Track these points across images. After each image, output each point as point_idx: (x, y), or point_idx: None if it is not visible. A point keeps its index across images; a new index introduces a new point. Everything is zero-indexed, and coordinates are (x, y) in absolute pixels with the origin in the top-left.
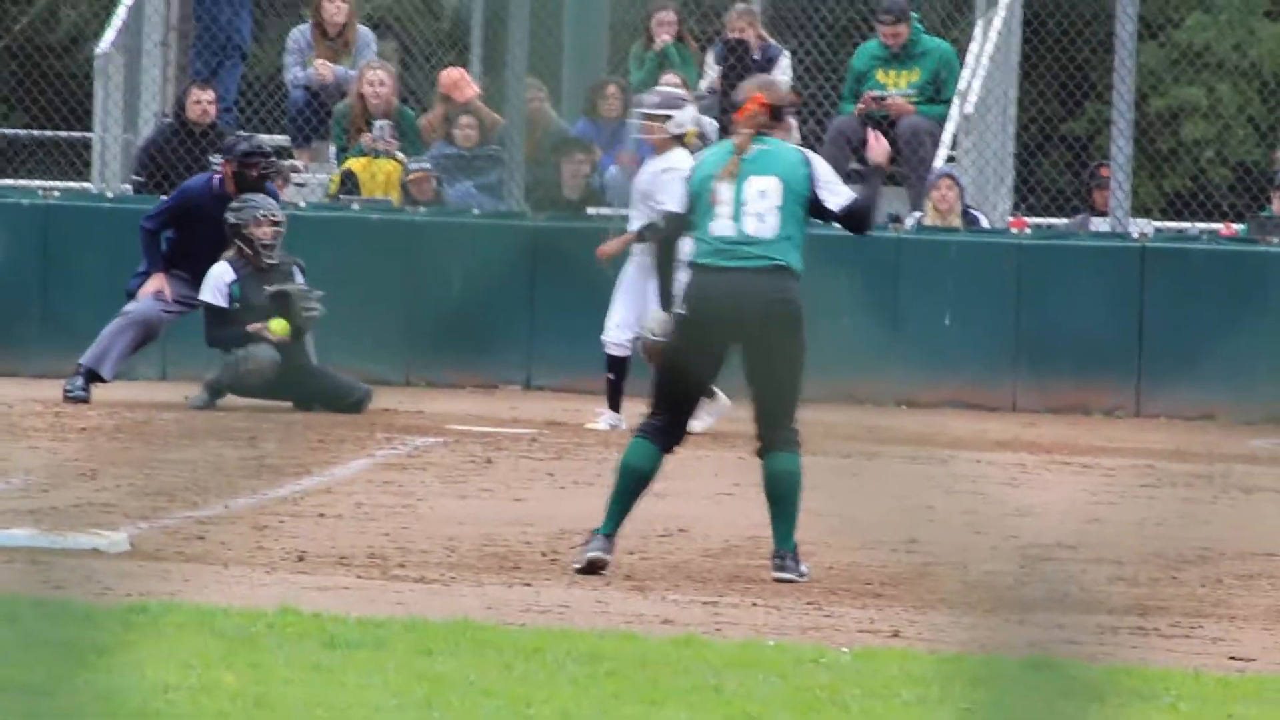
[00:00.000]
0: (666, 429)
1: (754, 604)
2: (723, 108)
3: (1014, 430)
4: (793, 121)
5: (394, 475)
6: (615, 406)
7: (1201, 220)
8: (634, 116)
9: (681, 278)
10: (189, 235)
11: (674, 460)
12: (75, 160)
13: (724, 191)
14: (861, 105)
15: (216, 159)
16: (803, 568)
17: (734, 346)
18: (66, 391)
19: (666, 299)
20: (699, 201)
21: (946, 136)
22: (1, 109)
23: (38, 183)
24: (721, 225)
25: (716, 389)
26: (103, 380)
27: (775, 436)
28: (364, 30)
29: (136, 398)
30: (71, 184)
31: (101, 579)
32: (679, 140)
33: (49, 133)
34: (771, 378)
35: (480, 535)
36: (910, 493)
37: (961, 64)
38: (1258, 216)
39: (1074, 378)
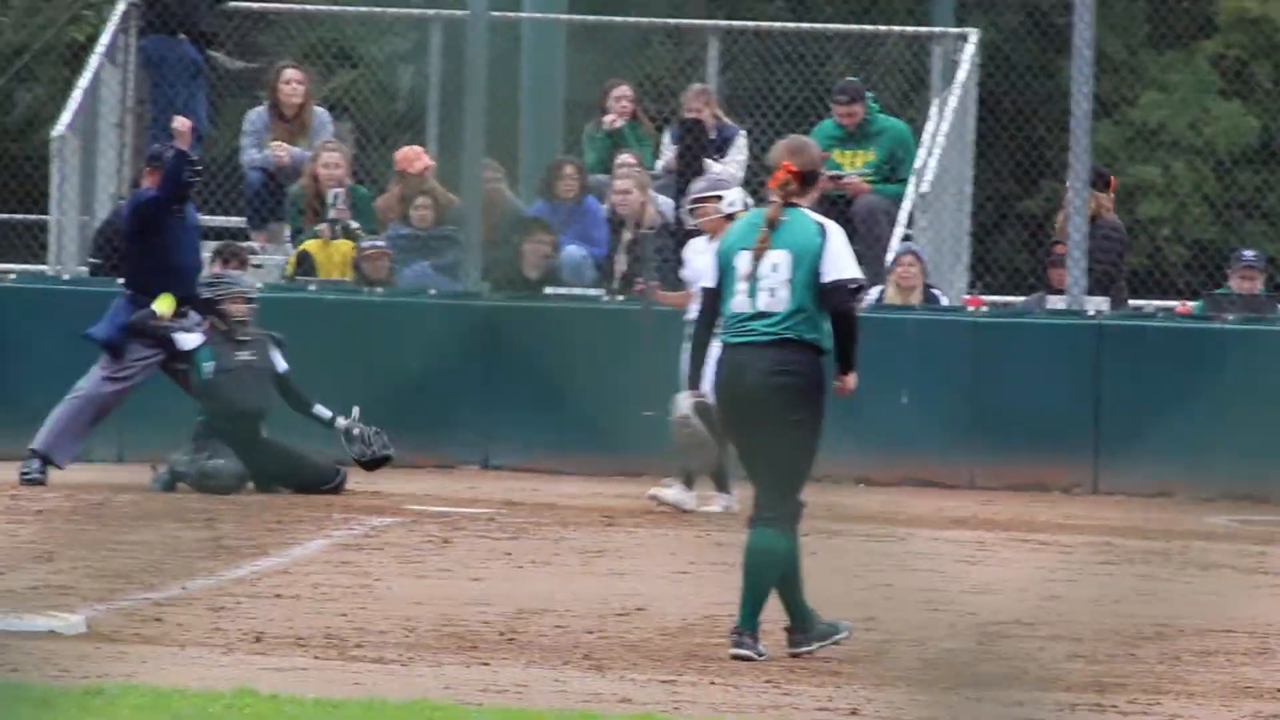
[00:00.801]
0: (763, 508)
1: (712, 683)
2: (678, 188)
3: (971, 508)
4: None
5: (351, 555)
6: (690, 483)
7: (1157, 298)
8: (684, 205)
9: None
10: (150, 249)
11: (632, 538)
12: (31, 243)
13: (744, 266)
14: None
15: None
16: (760, 647)
17: (746, 419)
18: (23, 475)
19: (695, 377)
20: (725, 276)
21: (903, 215)
22: None
23: None
24: (739, 302)
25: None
26: (57, 467)
27: (762, 512)
28: (320, 112)
29: (93, 479)
30: (28, 266)
31: (58, 661)
32: (731, 220)
33: (4, 215)
34: (766, 450)
35: (438, 615)
36: (868, 571)
37: (918, 143)
38: (1213, 294)
39: (1031, 455)
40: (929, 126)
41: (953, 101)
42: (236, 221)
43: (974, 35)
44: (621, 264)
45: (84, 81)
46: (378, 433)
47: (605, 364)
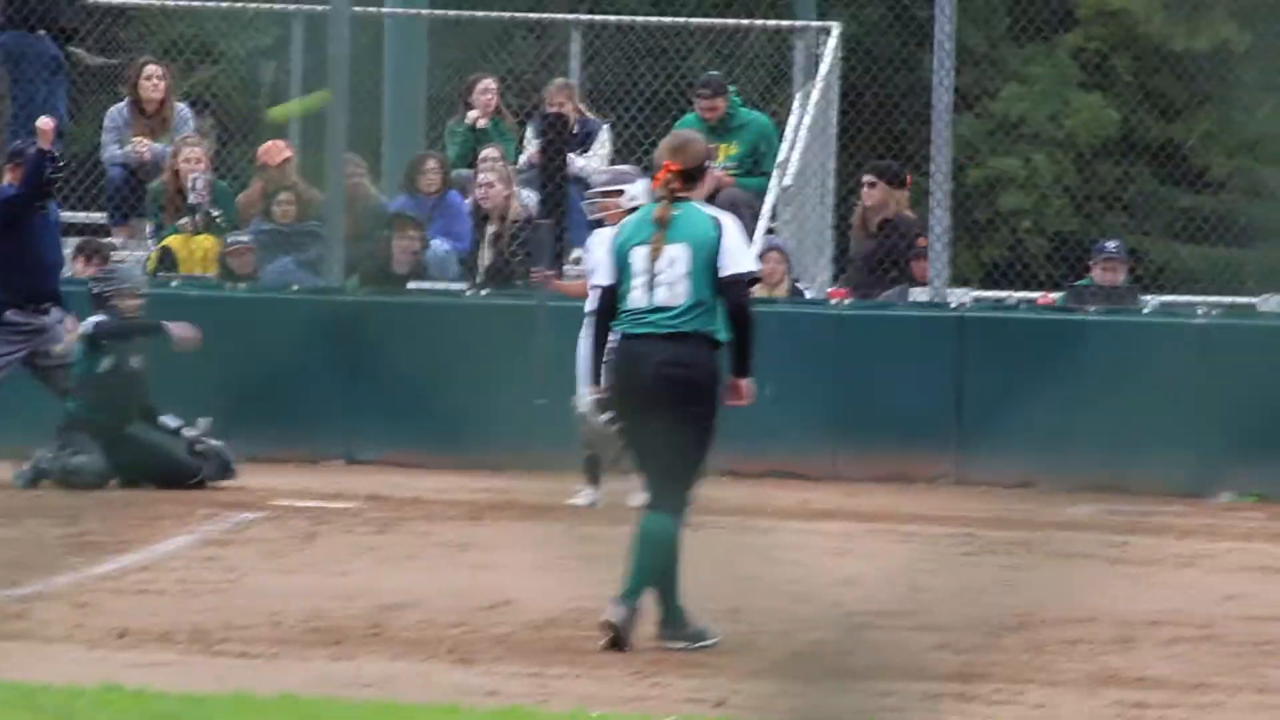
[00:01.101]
0: (658, 497)
1: (579, 675)
2: (541, 181)
3: (836, 500)
4: (715, 175)
5: (217, 551)
6: (595, 481)
7: (1019, 289)
8: (586, 197)
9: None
10: (11, 246)
11: (497, 533)
12: None
13: (641, 261)
14: None
15: None
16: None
17: (642, 410)
18: None
19: (597, 374)
20: (622, 272)
21: (766, 208)
22: None
23: None
24: (637, 297)
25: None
26: None
27: (654, 501)
28: (181, 107)
29: None
30: None
31: None
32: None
33: None
34: (660, 442)
35: (305, 610)
36: (734, 563)
37: (780, 137)
38: (1075, 286)
39: (895, 447)
40: (792, 120)
41: (815, 95)
42: (97, 217)
43: (836, 29)
44: (486, 258)
45: None
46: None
47: (469, 358)
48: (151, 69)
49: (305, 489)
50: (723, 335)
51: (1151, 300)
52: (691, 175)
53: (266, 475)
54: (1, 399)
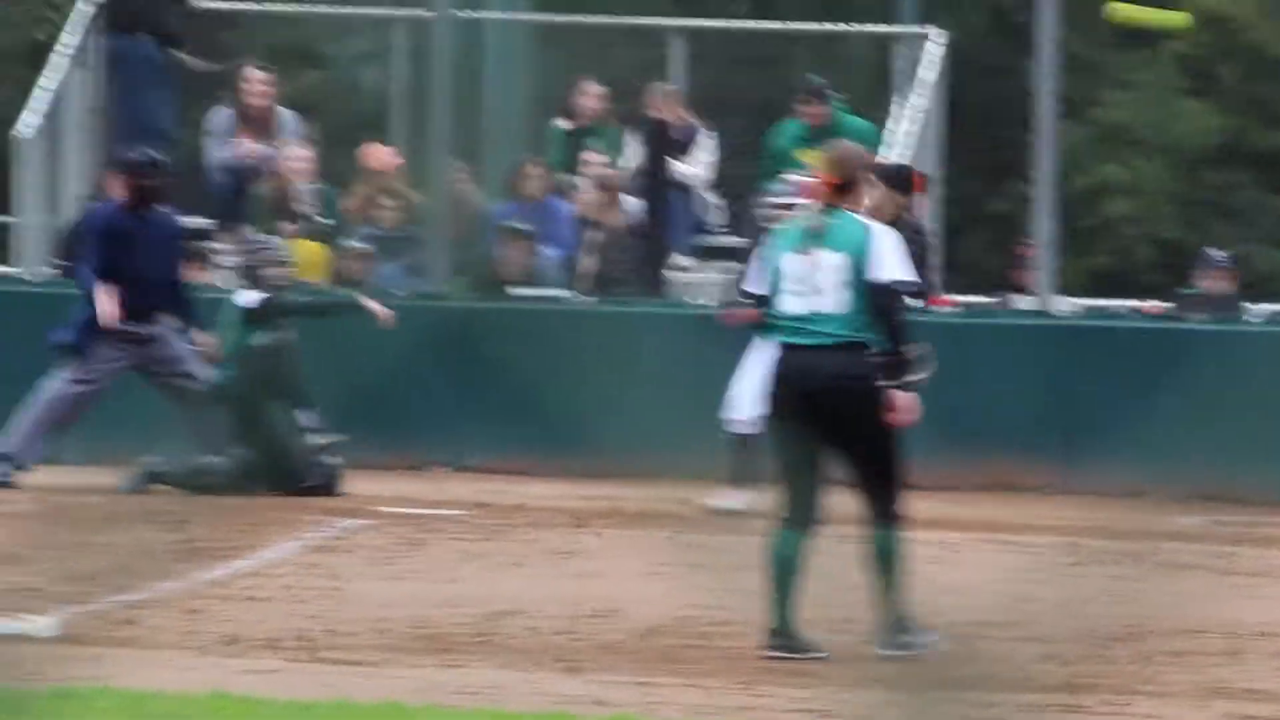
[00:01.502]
0: (796, 510)
1: (686, 684)
2: (644, 188)
3: (941, 509)
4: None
5: (323, 558)
6: (739, 486)
7: (1125, 298)
8: (761, 206)
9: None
10: (114, 262)
11: (602, 540)
12: None
13: (796, 269)
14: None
15: None
16: (910, 638)
17: (818, 424)
18: None
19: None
20: (776, 280)
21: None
22: None
23: None
24: (795, 303)
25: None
26: (24, 469)
27: (867, 512)
28: (285, 112)
29: (63, 481)
30: None
31: (30, 664)
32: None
33: None
34: (854, 455)
35: (410, 617)
36: (842, 572)
37: (883, 143)
38: (1181, 294)
39: (1000, 456)
40: (894, 126)
41: (918, 101)
42: (201, 223)
43: (938, 35)
44: (589, 264)
45: (48, 82)
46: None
47: (572, 364)
48: (256, 73)
49: (411, 496)
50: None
51: (1257, 309)
52: (846, 187)
53: (373, 482)
54: (109, 406)
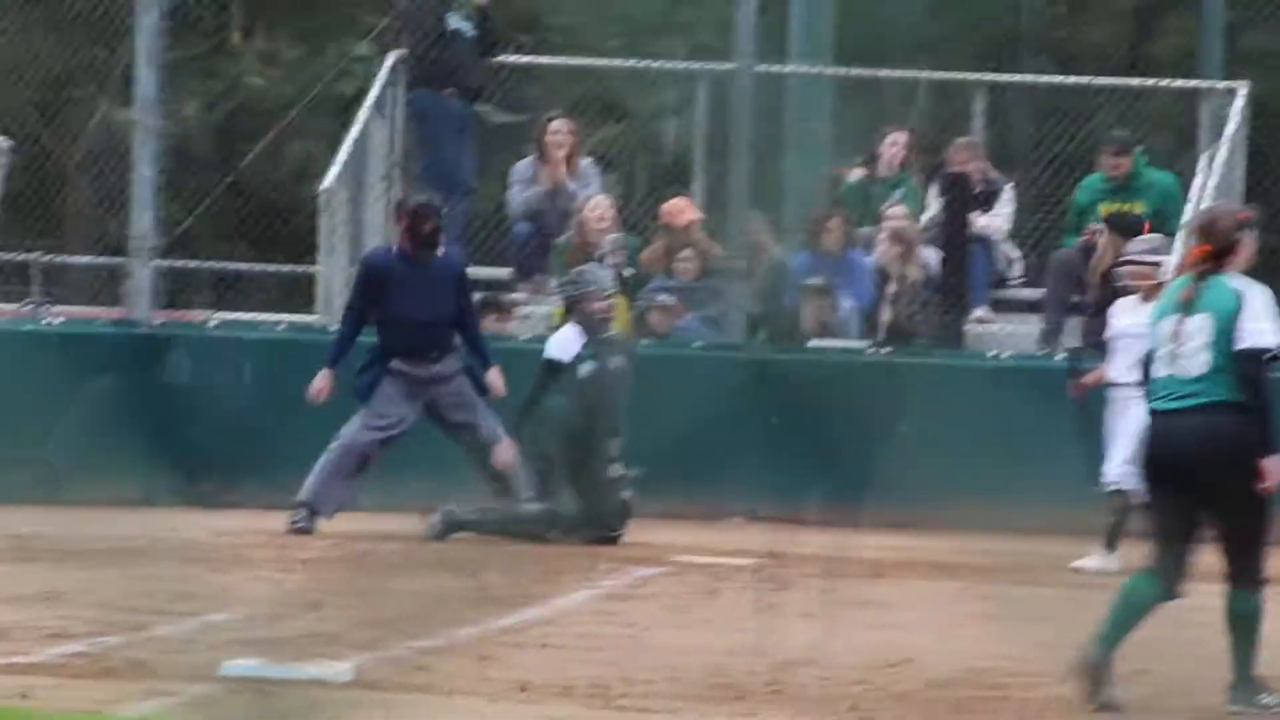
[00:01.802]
0: (1166, 569)
1: None
2: (944, 240)
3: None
4: (1249, 240)
5: (617, 605)
6: (1112, 546)
7: None
8: (1122, 264)
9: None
10: (388, 307)
11: (896, 589)
12: (300, 294)
13: (1167, 330)
14: (1086, 235)
15: None
16: (1266, 699)
17: (1187, 488)
18: (291, 524)
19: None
20: (1155, 344)
21: (1171, 266)
22: (228, 244)
23: (264, 316)
24: (1161, 367)
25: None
26: (324, 518)
27: (1229, 572)
28: (586, 163)
29: (360, 528)
30: (297, 316)
31: (326, 709)
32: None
33: (274, 267)
34: (1220, 517)
35: (704, 665)
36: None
37: (1185, 197)
38: None
39: None
40: (1197, 181)
41: (1221, 155)
42: (502, 273)
43: (1243, 89)
44: (886, 315)
45: (352, 134)
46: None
47: (869, 415)
48: (558, 123)
49: (705, 544)
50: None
51: None
52: (1221, 253)
53: (669, 530)
54: (406, 451)
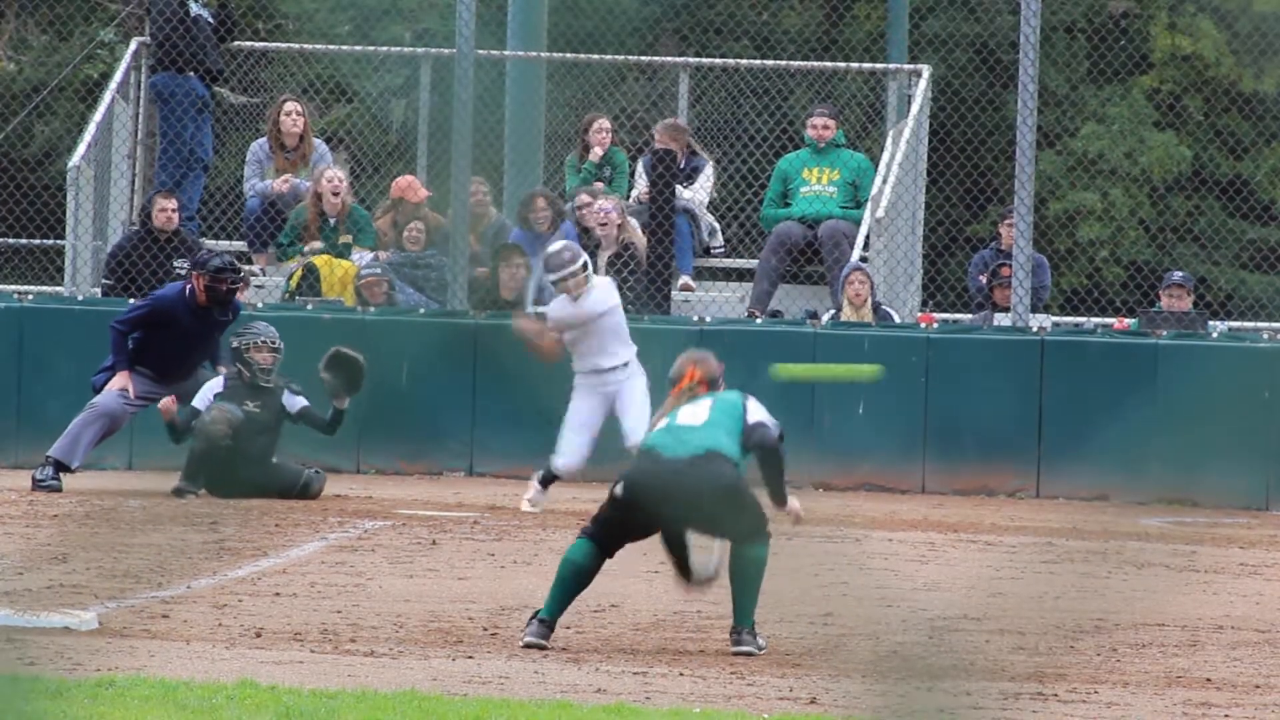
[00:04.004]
0: (605, 542)
1: (681, 674)
2: (651, 213)
3: (923, 511)
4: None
5: (346, 556)
6: (545, 485)
7: (1096, 315)
8: (553, 277)
9: None
10: (157, 338)
11: None
12: (48, 266)
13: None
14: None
15: (183, 267)
16: (760, 640)
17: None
18: (37, 481)
19: None
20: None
21: (860, 239)
22: None
23: (13, 287)
24: (657, 427)
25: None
26: (70, 470)
27: (743, 539)
28: (319, 143)
29: (105, 486)
30: (45, 288)
31: (72, 655)
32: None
33: (23, 240)
34: (722, 527)
35: (426, 612)
36: (826, 570)
37: (875, 173)
38: (1148, 312)
39: (978, 462)
40: (885, 156)
41: (906, 133)
42: (238, 245)
43: (926, 71)
44: None
45: (98, 116)
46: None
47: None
48: (291, 106)
49: (429, 499)
50: (734, 454)
51: (1220, 325)
52: (712, 383)
53: (393, 487)
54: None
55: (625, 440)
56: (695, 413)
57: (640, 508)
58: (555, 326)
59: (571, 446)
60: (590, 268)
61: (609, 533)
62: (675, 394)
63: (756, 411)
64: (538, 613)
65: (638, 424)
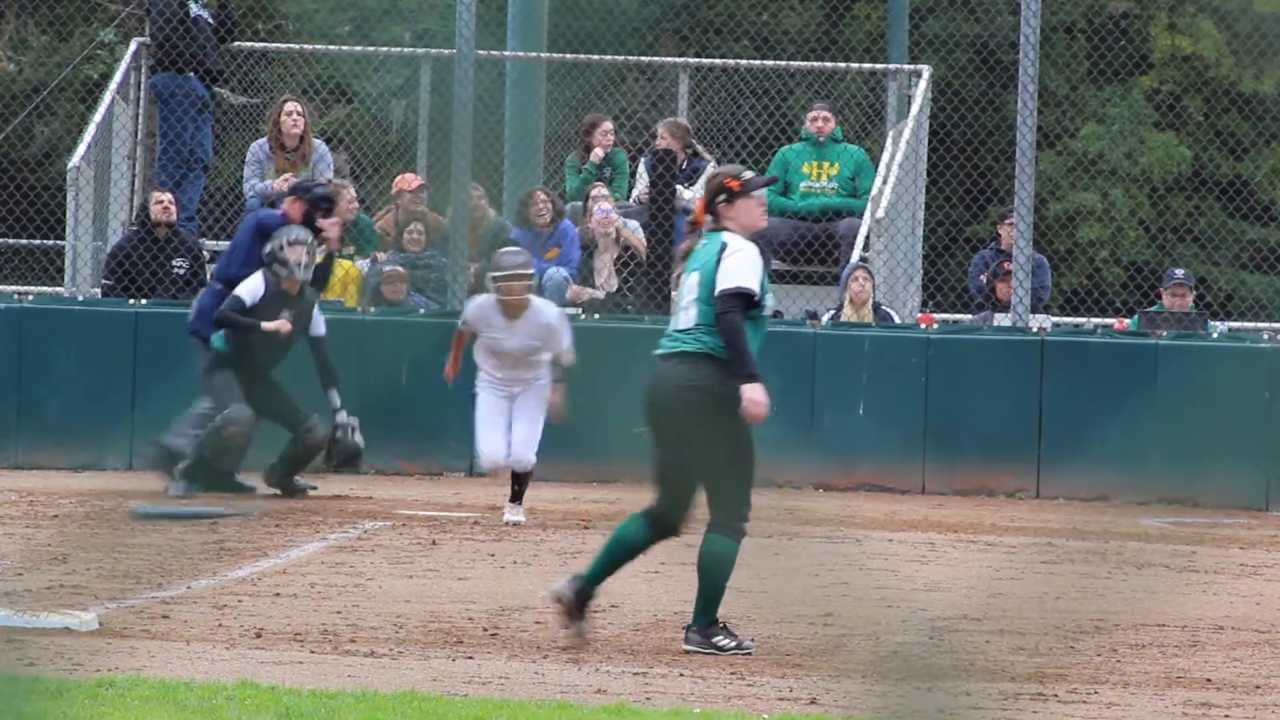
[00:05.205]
0: (658, 514)
1: (681, 674)
2: (651, 213)
3: (923, 511)
4: (749, 201)
5: (346, 557)
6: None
7: (1096, 316)
8: (498, 274)
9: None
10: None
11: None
12: (48, 266)
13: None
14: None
15: (181, 266)
16: (721, 641)
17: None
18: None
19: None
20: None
21: (860, 239)
22: None
23: (13, 287)
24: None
25: None
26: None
27: (710, 518)
28: (319, 143)
29: (105, 486)
30: (45, 288)
31: (72, 655)
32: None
33: (23, 241)
34: (695, 463)
35: (426, 612)
36: (826, 570)
37: (874, 171)
38: (1147, 311)
39: (979, 462)
40: (885, 156)
41: (906, 133)
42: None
43: (926, 71)
44: (598, 283)
45: (98, 116)
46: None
47: (581, 378)
48: (291, 106)
49: (429, 499)
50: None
51: (1220, 326)
52: (710, 207)
53: (393, 487)
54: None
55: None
56: (684, 289)
57: (655, 432)
58: (469, 329)
59: (489, 440)
60: (535, 287)
61: (656, 493)
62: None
63: (726, 276)
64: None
65: (523, 441)
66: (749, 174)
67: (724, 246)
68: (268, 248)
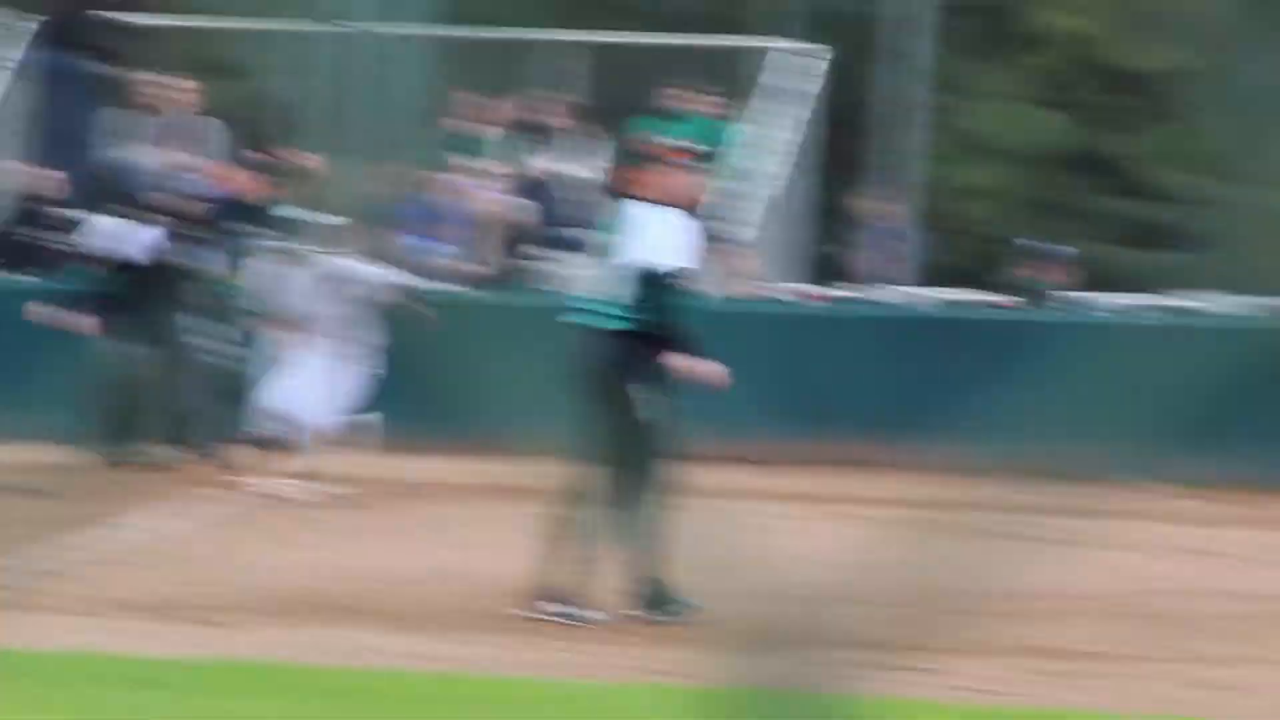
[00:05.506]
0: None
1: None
2: (531, 187)
3: (796, 484)
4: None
5: (207, 527)
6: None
7: (979, 290)
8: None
9: None
10: None
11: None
12: None
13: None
14: None
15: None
16: (572, 609)
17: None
18: None
19: None
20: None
21: (754, 216)
22: None
23: None
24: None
25: None
26: None
27: (604, 492)
28: (212, 120)
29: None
30: None
31: None
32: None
33: None
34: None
35: (288, 582)
36: (701, 542)
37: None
38: (1031, 287)
39: (854, 436)
40: (779, 135)
41: (799, 111)
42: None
43: (821, 50)
44: (480, 258)
45: None
46: None
47: (462, 350)
48: (183, 83)
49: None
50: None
51: (1102, 300)
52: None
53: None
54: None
55: None
56: (599, 259)
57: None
58: None
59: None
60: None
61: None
62: None
63: (642, 248)
64: None
65: None
66: (665, 140)
67: (637, 217)
68: None
